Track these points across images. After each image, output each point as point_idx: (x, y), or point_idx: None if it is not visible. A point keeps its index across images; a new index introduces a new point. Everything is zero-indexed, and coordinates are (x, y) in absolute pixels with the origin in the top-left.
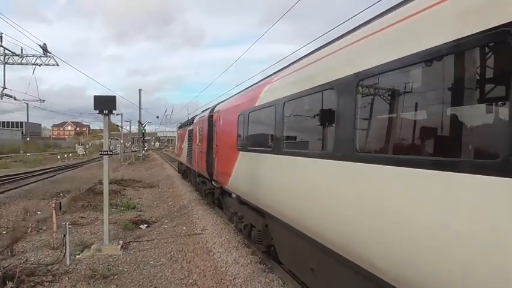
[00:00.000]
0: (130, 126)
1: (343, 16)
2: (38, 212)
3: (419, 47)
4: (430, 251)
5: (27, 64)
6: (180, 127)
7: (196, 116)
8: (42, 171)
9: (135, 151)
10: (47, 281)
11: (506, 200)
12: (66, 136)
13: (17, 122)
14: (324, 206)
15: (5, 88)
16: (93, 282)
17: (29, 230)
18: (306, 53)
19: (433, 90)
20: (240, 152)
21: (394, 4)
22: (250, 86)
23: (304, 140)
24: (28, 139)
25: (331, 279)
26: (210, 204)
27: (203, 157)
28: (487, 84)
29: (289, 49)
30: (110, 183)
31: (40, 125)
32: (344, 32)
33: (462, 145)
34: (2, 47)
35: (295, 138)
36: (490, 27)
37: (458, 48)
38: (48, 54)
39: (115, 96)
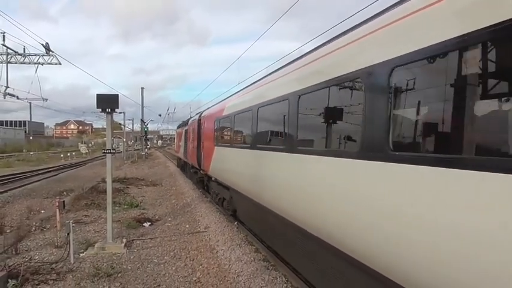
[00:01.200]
0: (132, 125)
1: (343, 13)
2: (42, 211)
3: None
4: (288, 194)
5: (29, 63)
6: (178, 127)
7: (190, 118)
8: (46, 170)
9: (138, 149)
10: (51, 279)
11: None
12: (69, 135)
13: (20, 121)
14: (250, 177)
15: (8, 87)
16: (97, 280)
17: (33, 228)
18: (246, 85)
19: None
20: (216, 146)
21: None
22: (223, 100)
23: (241, 139)
24: (31, 138)
25: (258, 218)
26: (199, 187)
27: (194, 152)
28: None
29: (290, 47)
30: (113, 181)
31: (43, 123)
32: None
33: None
34: (5, 46)
35: (239, 137)
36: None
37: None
38: (50, 53)
39: (117, 95)
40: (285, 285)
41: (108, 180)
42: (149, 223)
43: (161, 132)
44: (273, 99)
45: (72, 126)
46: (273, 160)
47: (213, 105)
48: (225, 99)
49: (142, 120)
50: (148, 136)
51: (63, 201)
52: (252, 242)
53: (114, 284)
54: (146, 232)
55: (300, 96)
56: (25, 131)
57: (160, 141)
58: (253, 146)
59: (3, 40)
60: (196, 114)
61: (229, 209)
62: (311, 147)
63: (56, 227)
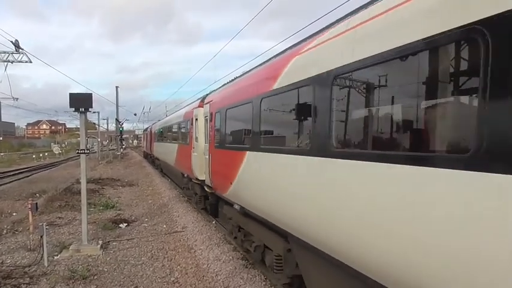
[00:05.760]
0: (107, 124)
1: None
2: (14, 213)
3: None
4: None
5: None
6: (144, 131)
7: (148, 127)
8: (17, 171)
9: (113, 149)
10: (24, 283)
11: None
12: (41, 135)
13: None
14: (162, 153)
15: None
16: (73, 283)
17: (4, 231)
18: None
19: None
20: (155, 142)
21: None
22: (163, 118)
23: (159, 138)
24: (1, 138)
25: (166, 168)
26: (152, 165)
27: (149, 145)
28: None
29: (271, 44)
30: (87, 182)
31: (13, 124)
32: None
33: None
34: None
35: (158, 137)
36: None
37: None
38: (20, 50)
39: (91, 94)
40: (264, 283)
41: (83, 181)
42: (126, 224)
43: (137, 132)
44: (166, 126)
45: (44, 126)
46: (166, 146)
47: (156, 121)
48: (163, 118)
49: (117, 120)
50: (123, 136)
51: (36, 203)
52: (230, 241)
53: (90, 287)
54: (123, 233)
55: (179, 124)
56: None
57: (135, 141)
58: (162, 141)
59: None
60: (152, 124)
61: (160, 170)
62: (171, 140)
63: (28, 229)
